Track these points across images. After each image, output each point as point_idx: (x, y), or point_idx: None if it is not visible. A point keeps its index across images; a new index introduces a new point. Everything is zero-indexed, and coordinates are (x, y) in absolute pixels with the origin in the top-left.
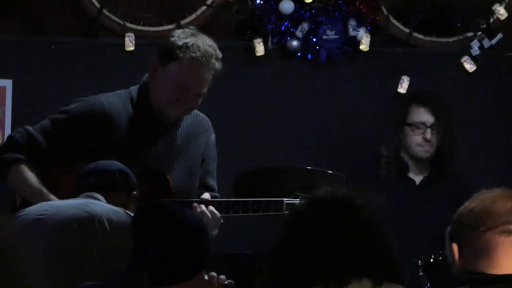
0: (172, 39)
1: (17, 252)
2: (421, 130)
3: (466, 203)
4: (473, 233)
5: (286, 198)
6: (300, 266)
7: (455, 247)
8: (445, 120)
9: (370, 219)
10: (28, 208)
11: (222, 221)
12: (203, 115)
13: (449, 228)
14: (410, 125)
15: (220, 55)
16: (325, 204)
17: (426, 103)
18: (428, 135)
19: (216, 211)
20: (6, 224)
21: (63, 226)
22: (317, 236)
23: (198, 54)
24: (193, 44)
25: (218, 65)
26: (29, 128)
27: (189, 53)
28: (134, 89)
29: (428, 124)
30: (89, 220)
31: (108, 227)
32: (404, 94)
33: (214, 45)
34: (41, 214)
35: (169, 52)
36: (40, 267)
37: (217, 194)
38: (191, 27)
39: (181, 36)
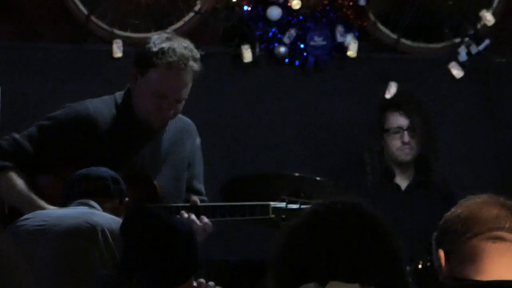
0: (148, 46)
1: (11, 261)
2: (399, 134)
3: (453, 209)
4: (460, 240)
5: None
6: (310, 266)
7: (441, 253)
8: (420, 121)
9: (386, 227)
10: (25, 217)
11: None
12: (187, 119)
13: (435, 234)
14: (387, 131)
15: (198, 56)
16: (342, 207)
17: (400, 107)
18: (406, 137)
19: (209, 222)
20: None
21: (65, 236)
22: (331, 238)
23: (175, 58)
24: (168, 49)
25: (196, 66)
26: (16, 135)
27: (166, 59)
28: (119, 94)
29: (404, 127)
30: (91, 231)
31: (110, 238)
32: (380, 101)
33: (191, 46)
34: (41, 225)
35: (146, 60)
36: (35, 278)
37: (205, 198)
38: (167, 31)
39: (156, 42)
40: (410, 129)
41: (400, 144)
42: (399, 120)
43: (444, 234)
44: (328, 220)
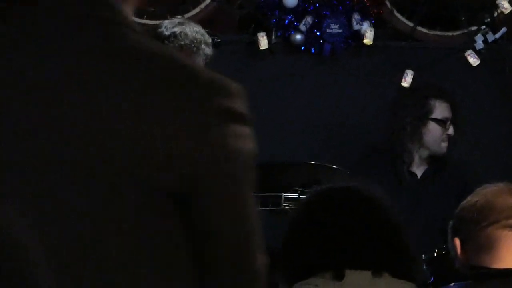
0: (159, 30)
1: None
2: (446, 126)
3: (469, 198)
4: (476, 228)
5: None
6: (313, 255)
7: (457, 241)
8: (459, 116)
9: (385, 209)
10: None
11: None
12: None
13: (451, 222)
14: (437, 121)
15: (209, 40)
16: (339, 193)
17: (449, 100)
18: (451, 130)
19: None
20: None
21: None
22: (330, 225)
23: (187, 41)
24: (180, 32)
25: (208, 50)
26: None
27: (178, 42)
28: None
29: (450, 120)
30: None
31: None
32: (418, 88)
33: (202, 31)
34: None
35: None
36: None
37: None
38: (178, 16)
39: (168, 26)
40: (454, 122)
41: (445, 136)
42: (447, 112)
43: (460, 223)
44: (331, 208)
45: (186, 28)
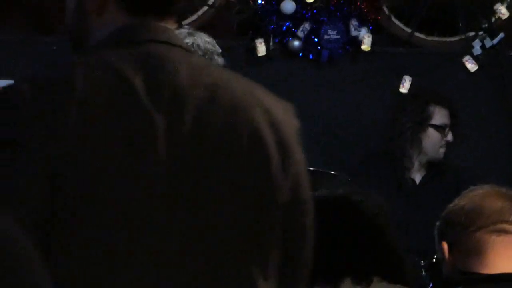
0: None
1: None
2: (445, 133)
3: (456, 201)
4: (464, 232)
5: None
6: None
7: (445, 245)
8: (458, 122)
9: (370, 215)
10: None
11: None
12: None
13: (438, 224)
14: (436, 127)
15: (220, 50)
16: (324, 202)
17: (448, 106)
18: (450, 137)
19: None
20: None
21: None
22: (324, 234)
23: (200, 53)
24: (193, 44)
25: (220, 60)
26: None
27: None
28: None
29: (449, 126)
30: None
31: None
32: (418, 93)
33: (213, 41)
34: None
35: None
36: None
37: None
38: (186, 26)
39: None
40: (452, 128)
41: (444, 142)
42: (446, 118)
43: (447, 227)
44: (326, 216)
45: (198, 39)
